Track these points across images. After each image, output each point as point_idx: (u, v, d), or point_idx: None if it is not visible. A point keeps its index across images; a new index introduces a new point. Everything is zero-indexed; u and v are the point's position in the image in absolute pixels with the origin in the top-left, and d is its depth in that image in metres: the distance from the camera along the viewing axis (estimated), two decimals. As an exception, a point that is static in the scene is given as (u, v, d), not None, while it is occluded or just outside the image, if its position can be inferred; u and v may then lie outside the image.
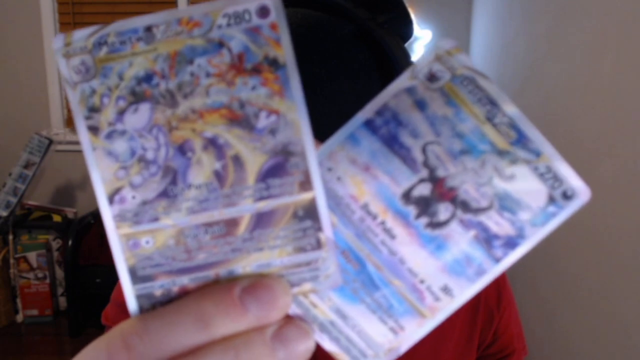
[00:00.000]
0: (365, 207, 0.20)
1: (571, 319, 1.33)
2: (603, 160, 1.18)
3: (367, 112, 0.20)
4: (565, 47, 1.40)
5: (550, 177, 0.19)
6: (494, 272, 0.20)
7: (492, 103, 0.19)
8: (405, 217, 0.20)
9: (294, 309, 0.20)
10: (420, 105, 0.19)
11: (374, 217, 0.20)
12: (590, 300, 1.23)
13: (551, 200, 0.19)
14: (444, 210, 0.20)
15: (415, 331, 0.20)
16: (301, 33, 0.39)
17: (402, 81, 0.19)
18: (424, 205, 0.20)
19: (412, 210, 0.20)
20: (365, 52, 0.41)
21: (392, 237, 0.20)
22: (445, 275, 0.20)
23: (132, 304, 0.18)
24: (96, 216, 2.37)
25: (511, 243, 0.20)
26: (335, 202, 0.20)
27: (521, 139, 0.19)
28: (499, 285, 0.56)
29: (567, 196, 0.20)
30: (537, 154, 0.19)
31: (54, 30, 2.63)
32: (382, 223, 0.20)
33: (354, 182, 0.20)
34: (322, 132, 0.36)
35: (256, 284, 0.18)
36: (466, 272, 0.20)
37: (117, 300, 0.54)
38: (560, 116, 1.42)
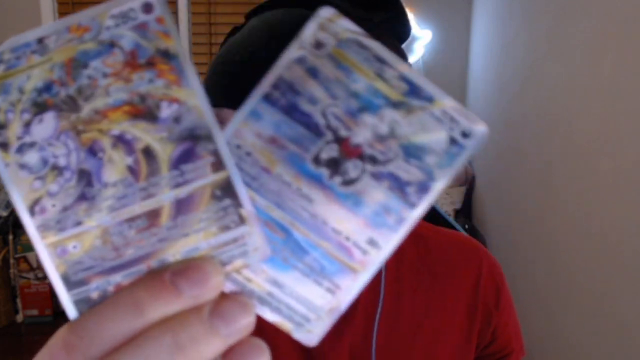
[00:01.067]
0: (279, 177, 0.21)
1: (571, 319, 1.33)
2: (603, 160, 1.18)
3: (263, 87, 0.20)
4: (565, 47, 1.40)
5: (447, 120, 0.20)
6: (412, 217, 0.21)
7: (380, 60, 0.20)
8: (319, 180, 0.21)
9: (230, 287, 0.21)
10: (312, 72, 0.20)
11: (289, 185, 0.21)
12: (591, 299, 1.23)
13: (452, 141, 0.20)
14: (353, 167, 0.21)
15: (351, 287, 0.21)
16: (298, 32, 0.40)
17: (291, 53, 0.20)
18: (335, 166, 0.21)
19: (324, 172, 0.21)
20: None
21: (310, 201, 0.21)
22: (368, 229, 0.21)
23: (70, 311, 0.19)
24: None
25: (423, 187, 0.21)
26: (250, 177, 0.20)
27: (413, 89, 0.20)
28: (497, 286, 0.56)
29: (466, 135, 0.20)
30: (430, 100, 0.20)
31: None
32: (298, 189, 0.21)
33: (263, 154, 0.20)
34: None
35: (186, 266, 0.18)
36: (387, 222, 0.21)
37: None
38: (560, 116, 1.42)
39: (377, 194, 0.21)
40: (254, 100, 0.20)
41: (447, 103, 0.20)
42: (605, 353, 1.15)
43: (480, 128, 0.20)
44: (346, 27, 0.20)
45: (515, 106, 1.79)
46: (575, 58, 1.33)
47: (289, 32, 0.39)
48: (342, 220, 0.21)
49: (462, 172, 2.17)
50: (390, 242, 0.21)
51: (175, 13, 2.62)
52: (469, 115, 0.20)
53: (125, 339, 0.17)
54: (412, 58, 2.32)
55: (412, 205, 0.21)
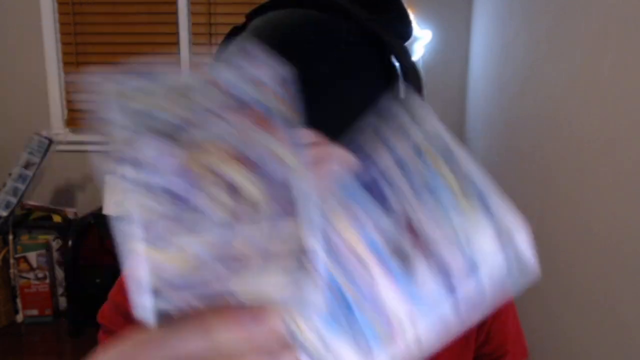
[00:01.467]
0: (347, 244, 0.22)
1: (572, 320, 1.33)
2: (603, 160, 1.18)
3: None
4: (565, 47, 1.40)
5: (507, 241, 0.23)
6: (454, 303, 0.22)
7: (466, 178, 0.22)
8: (380, 256, 0.22)
9: (283, 329, 0.22)
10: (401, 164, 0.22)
11: (355, 255, 0.22)
12: (591, 300, 1.23)
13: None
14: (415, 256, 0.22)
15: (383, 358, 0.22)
16: (303, 33, 0.40)
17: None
18: (397, 248, 0.22)
19: (386, 249, 0.22)
20: (367, 51, 0.41)
21: (370, 275, 0.22)
22: (410, 308, 0.22)
23: (149, 319, 0.20)
24: (96, 216, 2.37)
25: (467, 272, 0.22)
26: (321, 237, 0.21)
27: (481, 195, 0.23)
28: None
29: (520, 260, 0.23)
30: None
31: (54, 30, 2.63)
32: (360, 260, 0.22)
33: (337, 218, 0.22)
34: (328, 129, 0.37)
35: (256, 306, 0.21)
36: (427, 304, 0.22)
37: (115, 300, 0.54)
38: (560, 116, 1.42)
39: (428, 279, 0.22)
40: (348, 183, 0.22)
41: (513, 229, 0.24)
42: (605, 353, 1.15)
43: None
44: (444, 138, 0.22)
45: (515, 106, 1.80)
46: (575, 58, 1.33)
47: (296, 33, 0.39)
48: (392, 297, 0.22)
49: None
50: (426, 326, 0.22)
51: (175, 13, 2.62)
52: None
53: (190, 356, 0.20)
54: (413, 58, 2.32)
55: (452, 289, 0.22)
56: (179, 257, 0.20)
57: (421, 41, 2.36)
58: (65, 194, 2.76)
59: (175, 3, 2.60)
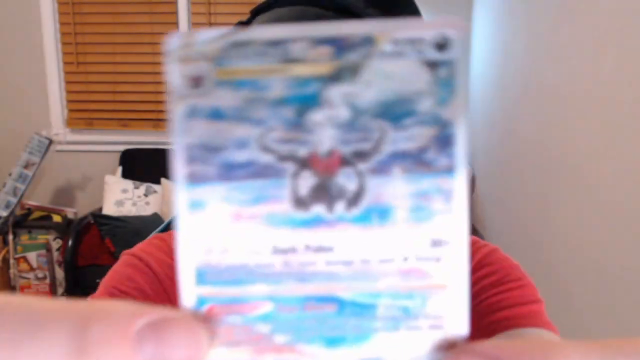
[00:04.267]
0: (276, 250, 0.16)
1: (572, 320, 1.33)
2: (604, 160, 1.18)
3: (179, 171, 0.16)
4: (565, 47, 1.40)
5: (406, 47, 0.15)
6: (458, 181, 0.16)
7: (275, 44, 0.16)
8: (320, 222, 0.16)
9: None
10: (215, 115, 0.16)
11: (294, 250, 0.16)
12: (592, 301, 1.23)
13: (432, 65, 0.15)
14: (346, 179, 0.16)
15: (454, 305, 0.16)
16: None
17: (175, 112, 0.17)
18: (324, 193, 0.16)
19: (318, 209, 0.16)
20: None
21: (330, 250, 0.16)
22: (420, 232, 0.16)
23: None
24: (96, 216, 2.37)
25: (443, 140, 0.16)
26: (248, 271, 0.16)
27: (339, 44, 0.16)
28: (495, 269, 0.52)
29: (441, 46, 0.15)
30: (370, 40, 0.16)
31: (54, 30, 2.63)
32: (308, 247, 0.16)
33: (241, 239, 0.16)
34: None
35: None
36: (434, 208, 0.16)
37: (108, 285, 0.51)
38: (561, 116, 1.42)
39: (397, 188, 0.16)
40: (182, 191, 0.16)
41: (391, 29, 0.15)
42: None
43: (453, 29, 0.15)
44: (209, 39, 0.16)
45: (515, 106, 1.79)
46: (575, 58, 1.33)
47: None
48: (382, 245, 0.16)
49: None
50: (456, 227, 0.16)
51: (175, 13, 2.62)
52: (430, 24, 0.15)
53: None
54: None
55: (447, 169, 0.16)
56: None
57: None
58: (65, 194, 2.75)
59: (175, 3, 2.60)
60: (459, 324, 0.16)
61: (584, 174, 1.28)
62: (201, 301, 0.16)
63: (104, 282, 0.52)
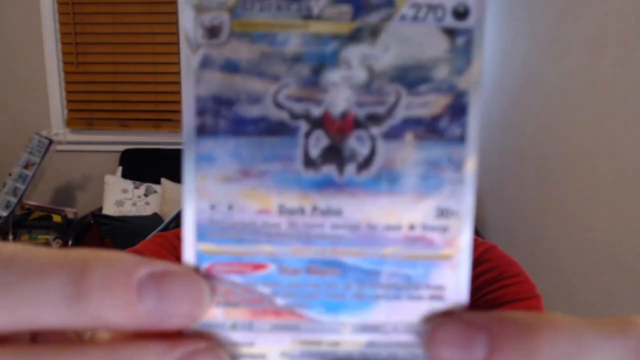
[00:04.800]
0: (283, 211, 0.16)
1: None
2: (603, 160, 1.18)
3: (188, 122, 0.15)
4: (565, 47, 1.39)
5: (426, 12, 0.15)
6: (469, 151, 0.16)
7: None
8: (330, 184, 0.15)
9: None
10: (230, 67, 0.16)
11: (302, 211, 0.16)
12: (592, 301, 1.23)
13: (450, 32, 0.15)
14: (358, 142, 0.15)
15: (457, 277, 0.16)
16: None
17: (189, 62, 0.17)
18: (336, 155, 0.15)
19: (329, 170, 0.15)
20: None
21: (338, 213, 0.16)
22: (428, 201, 0.16)
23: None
24: (96, 216, 2.37)
25: (457, 108, 0.15)
26: (252, 231, 0.16)
27: (358, 4, 0.15)
28: (493, 265, 0.52)
29: (460, 14, 0.15)
30: (390, 2, 0.15)
31: (54, 30, 2.62)
32: (315, 209, 0.16)
33: (247, 197, 0.16)
34: None
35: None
36: (444, 177, 0.15)
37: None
38: (561, 116, 1.42)
39: (408, 154, 0.15)
40: (190, 144, 0.15)
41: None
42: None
43: None
44: None
45: (515, 106, 1.79)
46: (575, 58, 1.33)
47: None
48: (390, 211, 0.16)
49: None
50: (464, 197, 0.16)
51: (175, 13, 2.62)
52: None
53: None
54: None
55: (459, 138, 0.15)
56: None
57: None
58: (65, 194, 2.75)
59: (175, 3, 2.60)
60: (460, 296, 0.16)
61: (584, 173, 1.28)
62: (203, 258, 0.16)
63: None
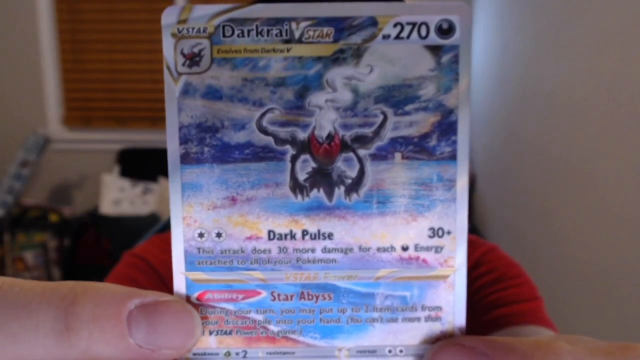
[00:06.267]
0: (272, 237, 0.15)
1: (573, 319, 1.33)
2: (604, 159, 1.17)
3: (172, 151, 0.15)
4: (565, 47, 1.39)
5: (410, 30, 0.15)
6: (460, 169, 0.15)
7: (276, 22, 0.15)
8: (319, 208, 0.15)
9: None
10: (212, 94, 0.15)
11: (292, 237, 0.15)
12: (592, 300, 1.23)
13: (434, 50, 0.15)
14: (346, 164, 0.15)
15: (453, 297, 0.16)
16: None
17: (169, 89, 0.16)
18: (324, 178, 0.15)
19: (317, 194, 0.15)
20: None
21: (330, 237, 0.15)
22: (421, 221, 0.15)
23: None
24: (93, 215, 2.36)
25: (446, 126, 0.15)
26: (241, 258, 0.16)
27: (340, 26, 0.15)
28: (493, 266, 0.52)
29: (444, 31, 0.15)
30: (374, 23, 0.15)
31: (51, 29, 2.61)
32: (305, 233, 0.15)
33: (236, 223, 0.15)
34: None
35: None
36: (435, 196, 0.15)
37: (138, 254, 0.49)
38: (561, 115, 1.42)
39: (397, 175, 0.15)
40: (175, 173, 0.15)
41: (395, 12, 0.15)
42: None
43: (457, 14, 0.15)
44: (207, 14, 0.15)
45: (515, 105, 1.79)
46: (575, 58, 1.33)
47: None
48: (381, 233, 0.15)
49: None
50: (457, 216, 0.15)
51: (173, 11, 2.61)
52: (434, 8, 0.15)
53: None
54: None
55: (449, 157, 0.15)
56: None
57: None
58: (62, 193, 2.74)
59: (172, 1, 2.59)
60: (457, 317, 0.16)
61: (584, 173, 1.27)
62: (193, 287, 0.16)
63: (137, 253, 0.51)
